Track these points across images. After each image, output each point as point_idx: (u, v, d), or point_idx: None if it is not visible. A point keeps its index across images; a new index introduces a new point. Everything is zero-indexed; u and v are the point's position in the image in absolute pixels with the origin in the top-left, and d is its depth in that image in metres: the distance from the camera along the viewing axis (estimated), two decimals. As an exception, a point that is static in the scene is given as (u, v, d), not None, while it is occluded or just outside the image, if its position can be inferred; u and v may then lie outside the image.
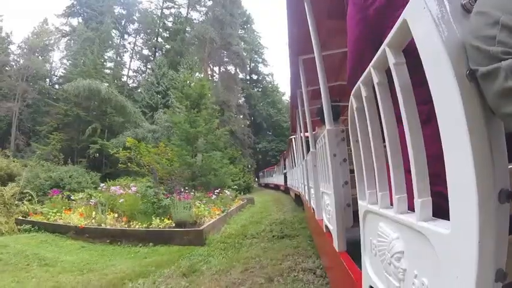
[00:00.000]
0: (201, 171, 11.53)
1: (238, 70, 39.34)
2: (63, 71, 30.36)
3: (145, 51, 38.40)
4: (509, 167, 0.55)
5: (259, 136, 40.96)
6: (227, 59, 36.83)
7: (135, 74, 37.97)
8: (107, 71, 30.12)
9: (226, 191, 10.56)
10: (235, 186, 13.68)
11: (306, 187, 5.25)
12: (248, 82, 44.82)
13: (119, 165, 13.98)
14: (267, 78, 47.50)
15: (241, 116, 38.11)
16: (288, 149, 13.58)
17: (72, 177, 13.48)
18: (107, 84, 23.26)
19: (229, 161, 17.43)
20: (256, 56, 46.10)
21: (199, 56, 31.08)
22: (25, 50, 30.06)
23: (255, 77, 46.87)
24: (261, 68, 47.64)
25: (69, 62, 29.01)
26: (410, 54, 0.74)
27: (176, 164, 11.69)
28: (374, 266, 1.14)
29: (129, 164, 12.85)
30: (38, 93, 27.88)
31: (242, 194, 16.78)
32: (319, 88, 2.50)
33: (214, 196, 9.18)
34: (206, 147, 12.82)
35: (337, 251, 2.08)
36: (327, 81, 2.56)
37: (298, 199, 9.24)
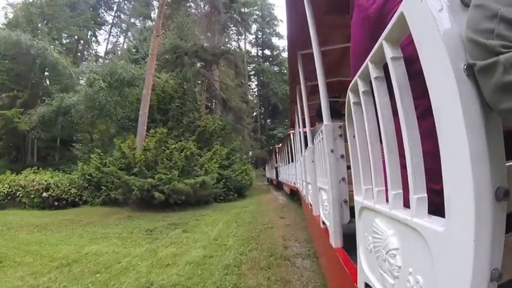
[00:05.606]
0: None
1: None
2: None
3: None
4: (507, 164, 0.54)
5: (274, 121, 35.83)
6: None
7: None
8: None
9: None
10: None
11: (304, 183, 5.24)
12: (261, 59, 40.24)
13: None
14: (283, 54, 38.98)
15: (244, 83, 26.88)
16: (284, 143, 13.51)
17: None
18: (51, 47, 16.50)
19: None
20: (268, 29, 39.98)
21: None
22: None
23: (267, 52, 41.00)
24: (275, 41, 40.72)
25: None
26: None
27: None
28: (369, 263, 1.13)
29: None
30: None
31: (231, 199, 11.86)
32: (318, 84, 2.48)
33: None
34: None
35: (333, 246, 2.08)
36: (326, 77, 2.53)
37: (294, 196, 9.19)
